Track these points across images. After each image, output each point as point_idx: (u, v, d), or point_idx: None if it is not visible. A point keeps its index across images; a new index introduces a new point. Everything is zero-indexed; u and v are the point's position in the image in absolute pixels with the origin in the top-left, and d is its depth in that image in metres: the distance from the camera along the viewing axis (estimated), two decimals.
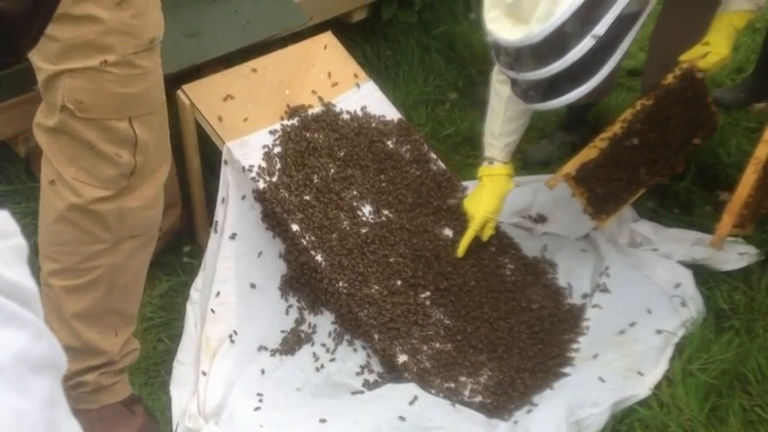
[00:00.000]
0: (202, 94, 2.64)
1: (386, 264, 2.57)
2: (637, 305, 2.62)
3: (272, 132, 2.67)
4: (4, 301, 0.58)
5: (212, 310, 2.49)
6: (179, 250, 2.90)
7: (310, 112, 2.75)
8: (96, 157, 1.95)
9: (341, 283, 2.48)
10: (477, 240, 2.75)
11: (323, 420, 2.24)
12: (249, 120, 2.66)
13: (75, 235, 2.02)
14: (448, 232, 2.75)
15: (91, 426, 2.21)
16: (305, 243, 2.50)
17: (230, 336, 2.47)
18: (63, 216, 2.00)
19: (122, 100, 1.91)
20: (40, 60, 1.85)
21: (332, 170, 2.67)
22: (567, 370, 2.48)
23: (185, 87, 2.64)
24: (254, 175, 2.55)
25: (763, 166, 2.51)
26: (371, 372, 2.42)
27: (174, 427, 2.34)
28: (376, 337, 2.42)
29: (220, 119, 2.63)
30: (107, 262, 2.07)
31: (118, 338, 2.21)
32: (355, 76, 2.95)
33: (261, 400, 2.34)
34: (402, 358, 2.40)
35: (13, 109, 2.67)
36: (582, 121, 3.44)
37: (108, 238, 2.04)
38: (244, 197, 2.57)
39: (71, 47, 1.81)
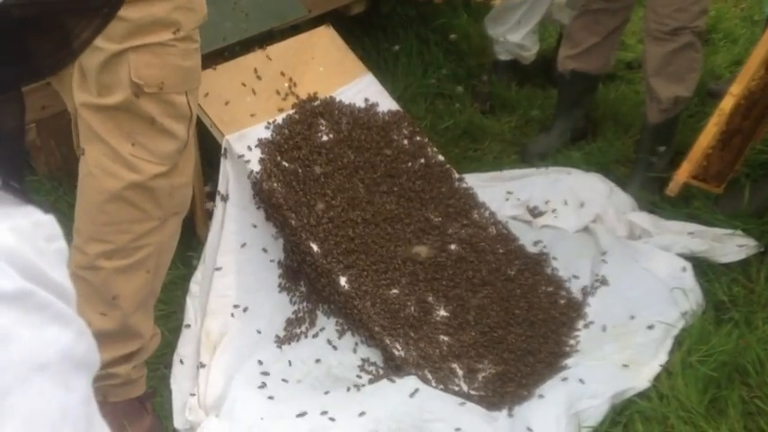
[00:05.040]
0: (201, 87, 2.61)
1: (385, 257, 2.57)
2: (636, 297, 2.62)
3: (271, 125, 2.66)
4: (53, 299, 0.59)
5: (212, 304, 2.49)
6: (179, 243, 2.89)
7: (309, 104, 2.75)
8: (156, 133, 1.98)
9: (341, 277, 2.48)
10: (476, 234, 2.76)
11: (324, 413, 2.24)
12: (248, 112, 2.66)
13: (130, 213, 2.03)
14: (447, 224, 2.75)
15: None
16: (304, 237, 2.50)
17: (230, 329, 2.47)
18: (119, 195, 2.00)
19: (183, 73, 1.96)
20: (102, 41, 1.86)
21: (331, 163, 2.67)
22: (566, 362, 2.49)
23: None
24: (253, 167, 2.55)
25: (728, 120, 2.54)
26: (372, 365, 2.42)
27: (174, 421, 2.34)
28: (376, 330, 2.42)
29: (219, 112, 2.62)
30: (155, 240, 2.09)
31: (151, 320, 2.23)
32: (354, 68, 2.94)
33: (261, 393, 2.34)
34: (402, 351, 2.40)
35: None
36: (579, 108, 3.44)
37: (159, 215, 2.07)
38: (243, 190, 2.56)
39: (140, 25, 1.85)
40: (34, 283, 0.58)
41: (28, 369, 0.56)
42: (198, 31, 2.00)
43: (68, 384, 0.58)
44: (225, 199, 2.55)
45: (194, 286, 2.58)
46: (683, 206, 3.03)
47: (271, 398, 2.31)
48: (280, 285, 2.58)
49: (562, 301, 2.69)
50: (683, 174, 2.61)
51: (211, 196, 2.70)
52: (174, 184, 2.06)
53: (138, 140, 1.97)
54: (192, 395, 2.35)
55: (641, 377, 2.39)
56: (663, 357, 2.46)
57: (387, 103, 2.92)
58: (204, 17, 2.01)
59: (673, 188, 2.66)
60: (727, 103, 2.53)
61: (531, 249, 2.84)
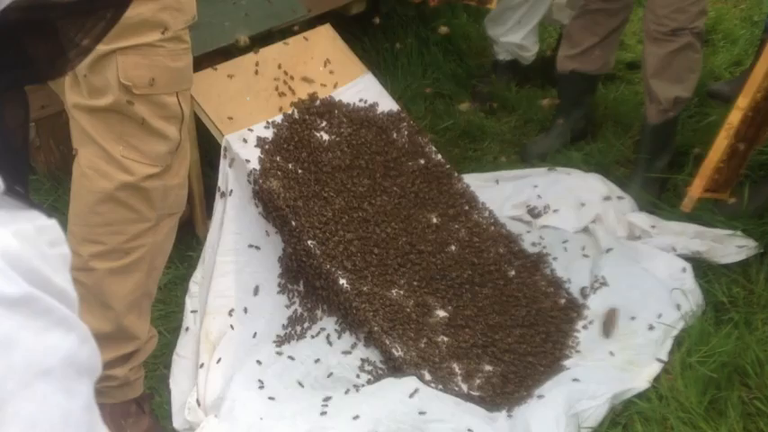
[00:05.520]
0: (201, 87, 2.63)
1: (385, 257, 2.57)
2: (636, 298, 2.62)
3: (270, 125, 2.66)
4: (56, 304, 0.60)
5: (211, 304, 2.49)
6: (178, 243, 2.89)
7: (309, 104, 2.75)
8: (147, 134, 1.97)
9: (340, 278, 2.48)
10: (475, 234, 2.76)
11: (323, 413, 2.24)
12: (248, 112, 2.66)
13: (123, 214, 2.03)
14: (446, 225, 2.75)
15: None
16: (304, 237, 2.50)
17: (230, 329, 2.47)
18: (111, 196, 2.00)
19: (173, 74, 1.96)
20: None
21: (330, 162, 2.66)
22: (566, 363, 2.48)
23: None
24: (253, 167, 2.55)
25: (735, 132, 2.56)
26: (371, 365, 2.42)
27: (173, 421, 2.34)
28: (375, 330, 2.42)
29: (219, 111, 2.62)
30: (149, 241, 2.09)
31: (147, 322, 2.23)
32: (354, 68, 2.94)
33: (261, 393, 2.33)
34: (401, 352, 2.40)
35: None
36: (579, 108, 3.43)
37: (153, 216, 2.06)
38: (243, 190, 2.56)
39: (126, 26, 1.84)
40: (38, 288, 0.58)
41: (31, 374, 0.56)
42: (188, 31, 1.99)
43: (71, 390, 0.59)
44: (224, 199, 2.54)
45: (194, 286, 2.58)
46: None
47: (270, 398, 2.31)
48: (279, 285, 2.58)
49: (562, 302, 2.69)
50: (696, 190, 2.65)
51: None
52: (167, 184, 2.06)
53: (129, 142, 1.97)
54: (192, 395, 2.34)
55: (641, 378, 2.39)
56: (663, 358, 2.46)
57: (386, 103, 2.91)
58: (194, 17, 1.99)
59: (687, 204, 2.69)
60: (735, 117, 2.55)
61: (531, 250, 2.84)
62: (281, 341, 2.50)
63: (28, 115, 0.73)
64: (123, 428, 2.23)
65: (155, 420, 2.35)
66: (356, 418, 2.20)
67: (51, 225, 0.63)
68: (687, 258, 2.74)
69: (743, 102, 2.53)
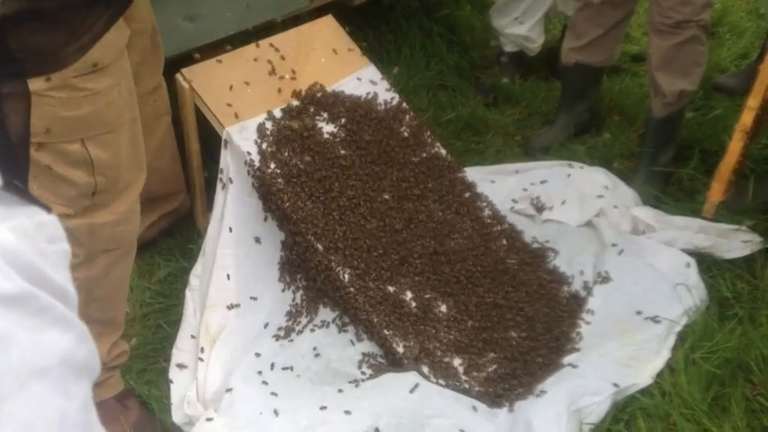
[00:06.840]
0: (202, 78, 2.61)
1: (386, 251, 2.55)
2: (639, 293, 2.60)
3: (272, 116, 2.64)
4: (54, 302, 0.58)
5: (211, 297, 2.47)
6: (178, 235, 2.88)
7: (310, 96, 2.73)
8: (56, 179, 1.91)
9: (341, 272, 2.46)
10: (478, 227, 2.74)
11: (323, 408, 2.23)
12: (249, 104, 2.64)
13: None
14: (449, 218, 2.73)
15: None
16: (304, 230, 2.48)
17: (230, 322, 2.46)
18: None
19: (68, 123, 1.85)
20: None
21: (332, 155, 2.64)
22: (568, 358, 2.47)
23: (184, 71, 2.61)
24: (253, 159, 2.53)
25: (748, 133, 2.59)
26: (372, 359, 2.40)
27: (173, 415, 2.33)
28: (376, 324, 2.40)
29: (220, 103, 2.60)
30: (82, 275, 2.02)
31: (102, 345, 2.17)
32: (356, 60, 2.92)
33: (260, 387, 2.32)
34: (402, 346, 2.38)
35: None
36: (583, 101, 3.41)
37: (80, 252, 2.00)
38: (244, 182, 2.54)
39: None
40: (35, 286, 0.57)
41: (27, 374, 0.55)
42: (92, 77, 1.82)
43: (68, 390, 0.57)
44: (225, 191, 2.53)
45: (194, 279, 2.56)
46: (688, 201, 3.01)
47: (270, 393, 2.29)
48: (279, 279, 2.57)
49: (564, 297, 2.67)
50: (716, 194, 2.69)
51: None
52: (94, 223, 1.99)
53: (41, 182, 1.91)
54: (191, 389, 2.33)
55: (644, 374, 2.38)
56: (666, 354, 2.44)
57: (388, 95, 2.89)
58: (95, 64, 1.79)
59: (709, 210, 2.74)
60: (747, 118, 2.57)
61: (534, 244, 2.82)
62: (281, 335, 2.48)
63: (29, 109, 0.72)
64: (117, 420, 2.23)
65: (144, 414, 2.32)
66: (356, 412, 2.19)
67: (50, 221, 0.62)
68: (691, 253, 2.72)
69: (753, 102, 2.54)
